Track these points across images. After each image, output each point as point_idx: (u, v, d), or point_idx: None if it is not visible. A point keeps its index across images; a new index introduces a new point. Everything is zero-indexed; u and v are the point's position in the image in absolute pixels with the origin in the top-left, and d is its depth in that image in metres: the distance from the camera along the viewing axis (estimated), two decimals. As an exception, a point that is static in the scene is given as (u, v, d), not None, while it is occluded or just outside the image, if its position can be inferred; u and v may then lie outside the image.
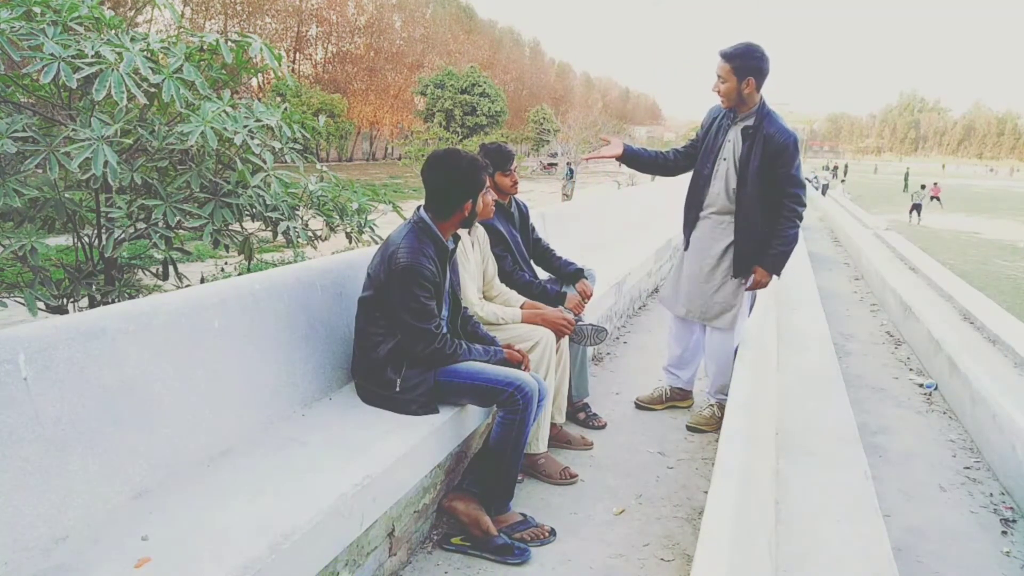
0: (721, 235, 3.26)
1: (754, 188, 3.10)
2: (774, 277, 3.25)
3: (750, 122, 3.09)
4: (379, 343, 2.36)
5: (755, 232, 3.16)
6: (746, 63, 2.99)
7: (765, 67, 3.02)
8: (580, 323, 3.11)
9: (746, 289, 3.29)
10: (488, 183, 2.68)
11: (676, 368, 3.69)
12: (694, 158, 3.37)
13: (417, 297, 2.27)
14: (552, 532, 2.44)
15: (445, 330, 2.43)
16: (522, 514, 2.48)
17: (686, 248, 3.44)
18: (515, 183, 3.21)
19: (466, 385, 2.38)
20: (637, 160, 3.43)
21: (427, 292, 2.29)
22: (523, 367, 2.53)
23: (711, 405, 3.53)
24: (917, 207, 23.59)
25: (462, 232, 2.88)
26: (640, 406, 3.69)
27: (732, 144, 3.16)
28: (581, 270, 3.50)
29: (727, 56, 3.01)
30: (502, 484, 2.45)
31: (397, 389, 2.34)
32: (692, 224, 3.38)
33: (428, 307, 2.30)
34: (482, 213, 2.92)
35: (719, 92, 3.08)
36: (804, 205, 3.10)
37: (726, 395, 3.31)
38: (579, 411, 3.42)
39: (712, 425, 3.41)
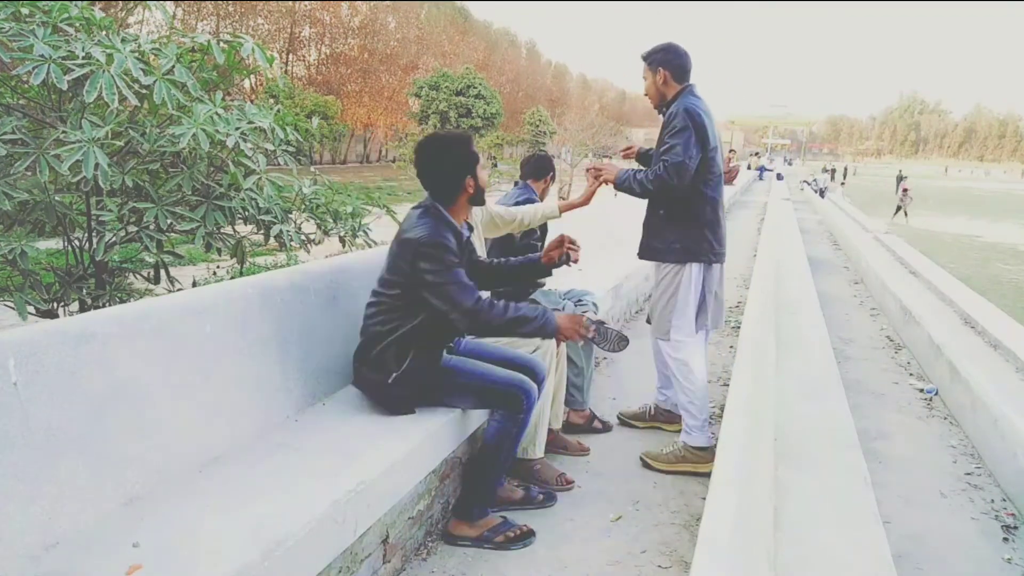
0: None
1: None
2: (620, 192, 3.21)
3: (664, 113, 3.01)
4: (389, 330, 2.29)
5: (656, 212, 3.17)
6: (654, 56, 2.99)
7: (675, 59, 2.96)
8: (606, 325, 3.05)
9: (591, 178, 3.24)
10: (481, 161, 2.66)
11: (663, 388, 3.49)
12: None
13: (452, 270, 2.20)
14: (532, 532, 2.42)
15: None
16: (501, 516, 2.46)
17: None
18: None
19: (472, 384, 2.36)
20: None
21: (458, 265, 2.25)
22: (573, 338, 2.37)
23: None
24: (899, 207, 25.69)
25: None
26: (623, 421, 3.53)
27: None
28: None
29: (643, 57, 3.04)
30: (485, 487, 2.43)
31: (390, 381, 2.28)
32: None
33: (467, 283, 2.23)
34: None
35: (647, 96, 3.09)
36: (671, 176, 2.78)
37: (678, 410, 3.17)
38: (590, 419, 3.38)
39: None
